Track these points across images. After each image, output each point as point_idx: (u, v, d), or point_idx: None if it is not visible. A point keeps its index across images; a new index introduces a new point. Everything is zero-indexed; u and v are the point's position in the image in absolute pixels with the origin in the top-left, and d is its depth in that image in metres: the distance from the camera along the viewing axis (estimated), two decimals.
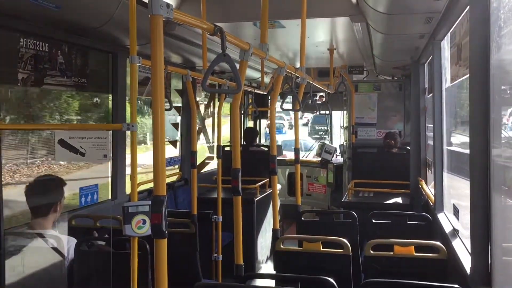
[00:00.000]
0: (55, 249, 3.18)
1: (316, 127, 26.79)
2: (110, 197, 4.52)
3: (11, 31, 3.36)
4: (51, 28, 3.60)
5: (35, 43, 3.52)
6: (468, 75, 2.71)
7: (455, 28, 3.51)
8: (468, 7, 2.70)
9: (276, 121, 6.09)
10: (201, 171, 6.85)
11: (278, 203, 5.88)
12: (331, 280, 2.50)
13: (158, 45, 1.77)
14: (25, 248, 3.23)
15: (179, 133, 6.32)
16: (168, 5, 1.77)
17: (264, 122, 10.56)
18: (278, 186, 7.18)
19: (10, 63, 3.37)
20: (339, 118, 10.46)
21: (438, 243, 3.23)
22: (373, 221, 4.13)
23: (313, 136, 26.61)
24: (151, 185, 4.97)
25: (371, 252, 3.27)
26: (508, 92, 2.34)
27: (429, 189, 5.14)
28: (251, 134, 7.53)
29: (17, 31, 3.39)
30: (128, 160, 3.78)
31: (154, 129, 1.77)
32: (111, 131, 4.25)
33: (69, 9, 3.30)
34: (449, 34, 3.81)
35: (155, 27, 1.76)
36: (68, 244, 3.29)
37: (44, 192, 3.27)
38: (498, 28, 2.33)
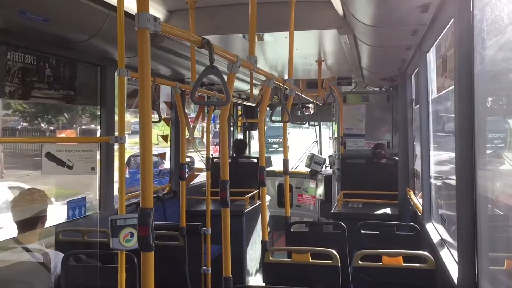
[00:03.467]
0: (42, 263, 3.14)
1: (269, 139, 25.72)
2: (98, 210, 4.49)
3: None
4: (39, 41, 3.59)
5: (23, 56, 3.51)
6: (453, 86, 2.75)
7: (441, 40, 3.56)
8: (452, 20, 2.74)
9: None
10: (190, 183, 6.83)
11: (268, 214, 5.87)
12: None
13: (145, 58, 1.78)
14: (11, 263, 3.19)
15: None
16: (155, 18, 1.78)
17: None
18: (268, 198, 7.18)
19: None
20: (328, 129, 10.51)
21: (426, 253, 3.25)
22: (362, 231, 4.14)
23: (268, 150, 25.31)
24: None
25: (360, 262, 3.28)
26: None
27: (417, 199, 5.17)
28: (241, 145, 7.55)
29: (5, 44, 3.37)
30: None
31: (141, 142, 1.77)
32: (99, 144, 4.24)
33: (57, 22, 3.30)
34: (434, 46, 3.86)
35: (142, 40, 1.77)
36: (55, 258, 3.25)
37: (32, 206, 3.25)
38: (482, 40, 2.37)
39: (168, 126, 6.30)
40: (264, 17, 3.68)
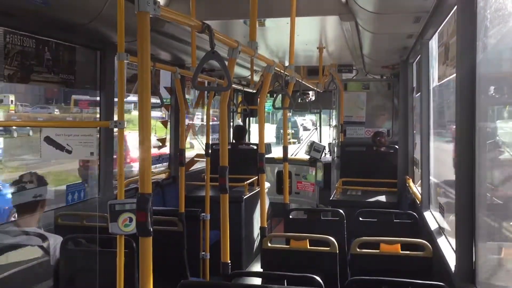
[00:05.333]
0: (41, 247, 3.15)
1: (281, 131, 25.53)
2: (97, 195, 4.49)
3: None
4: (38, 24, 3.56)
5: (22, 39, 3.49)
6: (454, 75, 2.74)
7: (443, 27, 3.53)
8: (456, 7, 2.72)
9: None
10: (190, 169, 6.84)
11: (267, 201, 5.88)
12: (318, 278, 2.51)
13: (145, 42, 1.77)
14: (11, 246, 3.20)
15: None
16: (155, 1, 1.76)
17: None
18: (267, 184, 7.19)
19: None
20: (328, 116, 10.49)
21: (423, 241, 3.26)
22: (360, 219, 4.15)
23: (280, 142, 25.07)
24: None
25: (358, 250, 3.29)
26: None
27: (416, 188, 5.17)
28: (240, 132, 7.54)
29: (3, 27, 3.35)
30: None
31: (140, 127, 1.76)
32: (98, 128, 4.23)
33: (56, 5, 3.27)
34: (437, 33, 3.84)
35: (142, 24, 1.75)
36: (54, 242, 3.26)
37: (31, 189, 3.25)
38: (485, 28, 2.35)
39: (168, 111, 6.29)
40: (266, 2, 3.64)
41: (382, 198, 5.87)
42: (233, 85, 5.30)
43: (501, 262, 2.24)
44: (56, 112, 15.72)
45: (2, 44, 3.34)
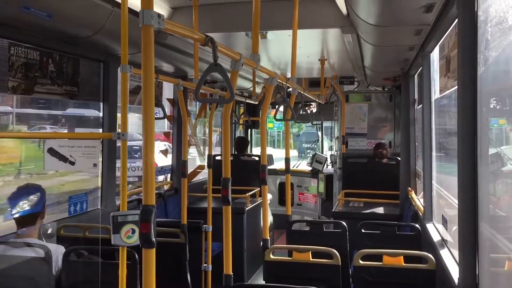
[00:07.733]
0: (42, 258, 3.15)
1: (304, 145, 24.00)
2: (99, 206, 4.49)
3: (2, 39, 3.35)
4: (43, 37, 3.60)
5: (26, 51, 3.52)
6: (456, 87, 2.75)
7: (444, 40, 3.55)
8: (457, 20, 2.74)
9: None
10: (192, 181, 6.84)
11: (269, 212, 5.88)
12: None
13: (149, 55, 1.78)
14: (12, 257, 3.20)
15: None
16: (159, 15, 1.78)
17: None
18: (269, 196, 7.20)
19: (0, 71, 3.36)
20: (329, 128, 10.51)
21: (426, 253, 3.25)
22: (363, 231, 4.14)
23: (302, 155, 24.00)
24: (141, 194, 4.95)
25: (360, 262, 3.28)
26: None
27: (418, 200, 5.16)
28: (242, 143, 7.55)
29: (8, 39, 3.38)
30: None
31: (144, 138, 1.78)
32: (101, 140, 4.24)
33: (61, 18, 3.31)
34: (438, 46, 3.86)
35: (146, 37, 1.77)
36: (56, 253, 3.26)
37: (31, 201, 3.25)
38: (486, 41, 2.36)
39: (171, 123, 6.31)
40: (268, 15, 3.67)
41: (384, 210, 5.86)
42: (235, 97, 5.33)
43: (506, 275, 2.23)
44: None
45: (6, 56, 3.37)
